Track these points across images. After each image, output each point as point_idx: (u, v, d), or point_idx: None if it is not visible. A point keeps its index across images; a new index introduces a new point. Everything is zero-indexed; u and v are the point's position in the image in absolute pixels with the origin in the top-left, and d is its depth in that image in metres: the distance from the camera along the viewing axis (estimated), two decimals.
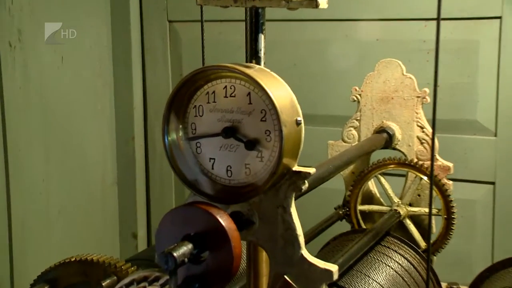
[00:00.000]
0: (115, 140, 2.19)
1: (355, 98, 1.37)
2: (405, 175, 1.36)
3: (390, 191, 1.32)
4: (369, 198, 1.40)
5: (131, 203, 2.22)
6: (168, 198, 2.24)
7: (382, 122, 1.35)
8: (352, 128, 1.38)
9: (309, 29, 1.93)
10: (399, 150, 1.35)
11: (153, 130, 2.23)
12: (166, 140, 0.75)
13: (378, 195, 1.41)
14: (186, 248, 0.65)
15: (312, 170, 0.72)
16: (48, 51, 1.85)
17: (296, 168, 0.72)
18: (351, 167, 1.39)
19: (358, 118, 1.37)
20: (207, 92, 0.74)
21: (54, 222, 1.91)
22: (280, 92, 0.70)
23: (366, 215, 1.37)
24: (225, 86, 0.73)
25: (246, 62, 0.80)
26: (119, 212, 2.22)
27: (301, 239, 0.73)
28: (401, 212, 1.30)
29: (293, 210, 0.74)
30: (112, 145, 2.18)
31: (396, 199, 1.31)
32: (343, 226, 1.36)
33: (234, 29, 1.95)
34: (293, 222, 0.73)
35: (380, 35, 1.85)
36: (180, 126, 0.76)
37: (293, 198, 0.74)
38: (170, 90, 2.20)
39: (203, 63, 0.92)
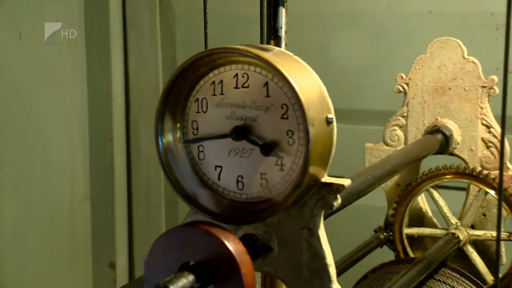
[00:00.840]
0: (88, 141, 2.20)
1: (401, 89, 1.38)
2: (465, 189, 1.37)
3: (445, 209, 1.32)
4: (419, 218, 1.41)
5: (108, 224, 2.23)
6: (156, 217, 2.26)
7: (436, 119, 1.36)
8: (396, 127, 1.39)
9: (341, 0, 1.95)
10: (458, 156, 1.36)
11: (137, 129, 2.25)
12: (160, 143, 0.77)
13: (430, 214, 1.42)
14: (186, 281, 0.66)
15: (346, 182, 0.74)
16: (2, 25, 1.87)
17: (326, 179, 0.74)
18: (395, 178, 1.39)
19: (405, 114, 1.38)
20: (213, 82, 0.76)
21: (8, 246, 1.93)
22: (307, 82, 0.72)
23: (415, 240, 1.37)
24: (236, 74, 0.74)
25: (262, 43, 0.82)
26: (93, 234, 2.23)
27: (332, 270, 0.75)
28: (461, 237, 1.30)
29: (322, 232, 0.76)
30: (84, 147, 2.19)
31: (454, 220, 1.32)
32: (384, 254, 1.37)
33: None
34: (322, 248, 0.75)
35: (434, 5, 1.85)
36: (178, 125, 0.78)
37: (322, 218, 0.75)
38: (160, 77, 2.24)
39: (206, 44, 0.93)
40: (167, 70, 2.22)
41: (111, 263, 2.24)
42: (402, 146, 1.37)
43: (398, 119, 1.39)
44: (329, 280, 0.74)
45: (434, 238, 1.33)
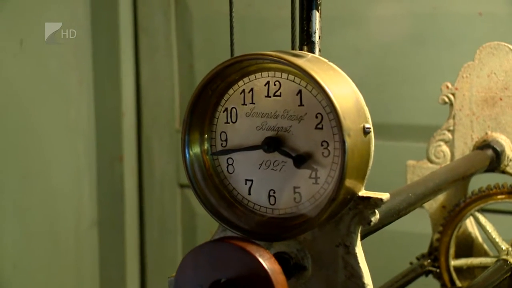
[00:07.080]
0: (95, 161, 2.23)
1: (447, 100, 1.40)
2: None
3: (494, 234, 1.33)
4: (467, 245, 1.43)
5: (117, 254, 2.26)
6: (171, 247, 2.28)
7: (486, 133, 1.38)
8: (442, 143, 1.41)
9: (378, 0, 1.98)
10: (511, 174, 1.37)
11: (150, 147, 2.28)
12: (187, 155, 0.84)
13: (480, 240, 1.43)
14: None
15: (385, 196, 0.80)
16: (1, 31, 1.92)
17: (363, 192, 0.80)
18: (440, 199, 1.41)
19: (451, 128, 1.40)
20: (243, 91, 0.82)
21: (7, 280, 1.97)
22: (342, 90, 0.77)
23: (464, 269, 1.39)
24: (267, 82, 0.81)
25: (293, 49, 0.87)
26: (100, 266, 2.25)
27: None
28: None
29: (359, 250, 0.81)
30: (90, 168, 2.22)
31: (504, 245, 1.33)
32: (429, 284, 1.41)
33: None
34: (359, 267, 0.80)
35: (484, 6, 1.86)
36: (206, 136, 0.85)
37: (359, 235, 0.81)
38: (176, 88, 2.26)
39: (232, 51, 0.95)
40: (183, 81, 2.24)
41: None
42: (449, 163, 1.38)
43: (444, 134, 1.40)
44: None
45: (485, 268, 1.33)
